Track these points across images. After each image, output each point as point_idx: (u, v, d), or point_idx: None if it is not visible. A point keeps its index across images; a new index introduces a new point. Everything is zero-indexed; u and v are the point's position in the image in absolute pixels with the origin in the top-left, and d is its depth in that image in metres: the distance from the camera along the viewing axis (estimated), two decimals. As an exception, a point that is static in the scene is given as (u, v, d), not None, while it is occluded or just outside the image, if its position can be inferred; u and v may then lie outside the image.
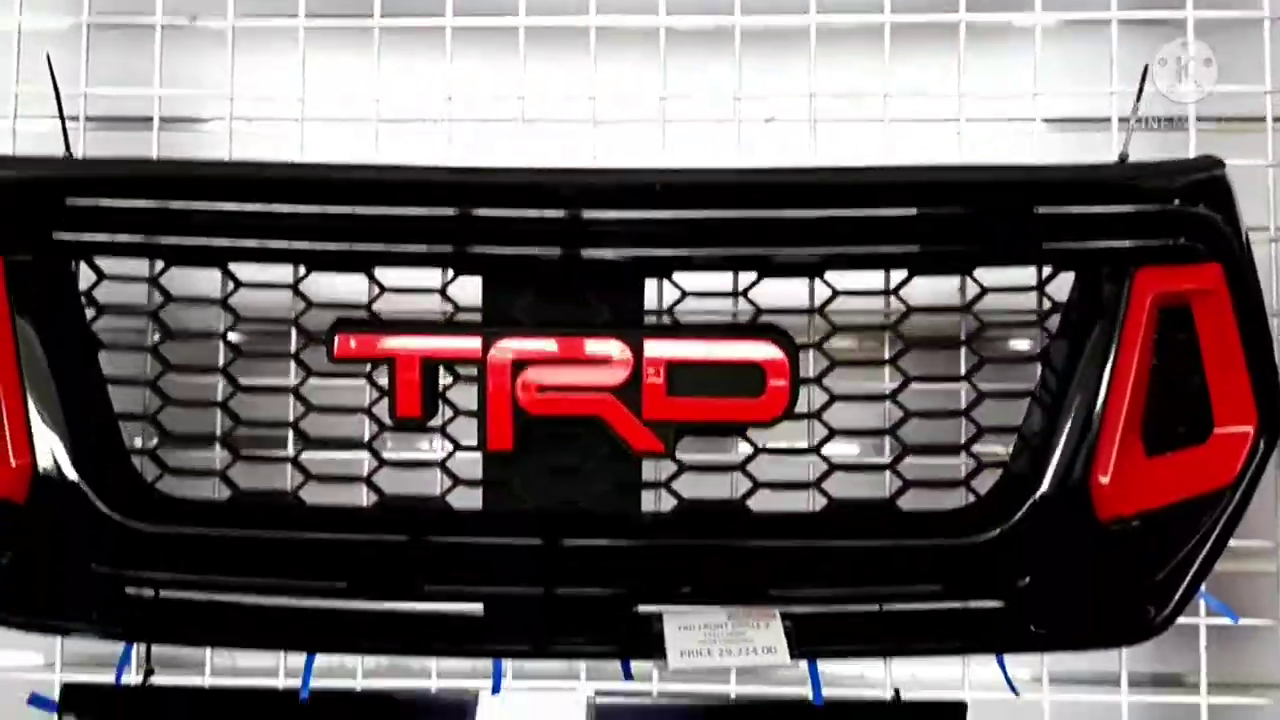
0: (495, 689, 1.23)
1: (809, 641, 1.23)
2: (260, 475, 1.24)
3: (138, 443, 1.25)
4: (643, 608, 1.26)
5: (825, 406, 1.21)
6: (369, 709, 1.35)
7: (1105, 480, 1.17)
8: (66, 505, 1.18)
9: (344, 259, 1.16)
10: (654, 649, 1.21)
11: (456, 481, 1.20)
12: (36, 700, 1.38)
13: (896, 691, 1.35)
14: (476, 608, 1.24)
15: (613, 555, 1.18)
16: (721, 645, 1.22)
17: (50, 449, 1.17)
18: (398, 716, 1.34)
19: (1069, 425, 1.17)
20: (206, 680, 1.39)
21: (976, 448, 1.23)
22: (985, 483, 1.24)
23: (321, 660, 1.35)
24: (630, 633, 1.23)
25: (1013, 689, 1.26)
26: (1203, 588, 1.25)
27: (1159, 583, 1.22)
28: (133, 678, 1.37)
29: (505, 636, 1.22)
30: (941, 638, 1.24)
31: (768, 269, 1.17)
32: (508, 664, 1.35)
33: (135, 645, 1.35)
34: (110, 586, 1.22)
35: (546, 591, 1.17)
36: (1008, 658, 1.25)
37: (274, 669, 1.39)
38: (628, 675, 1.25)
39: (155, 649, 1.37)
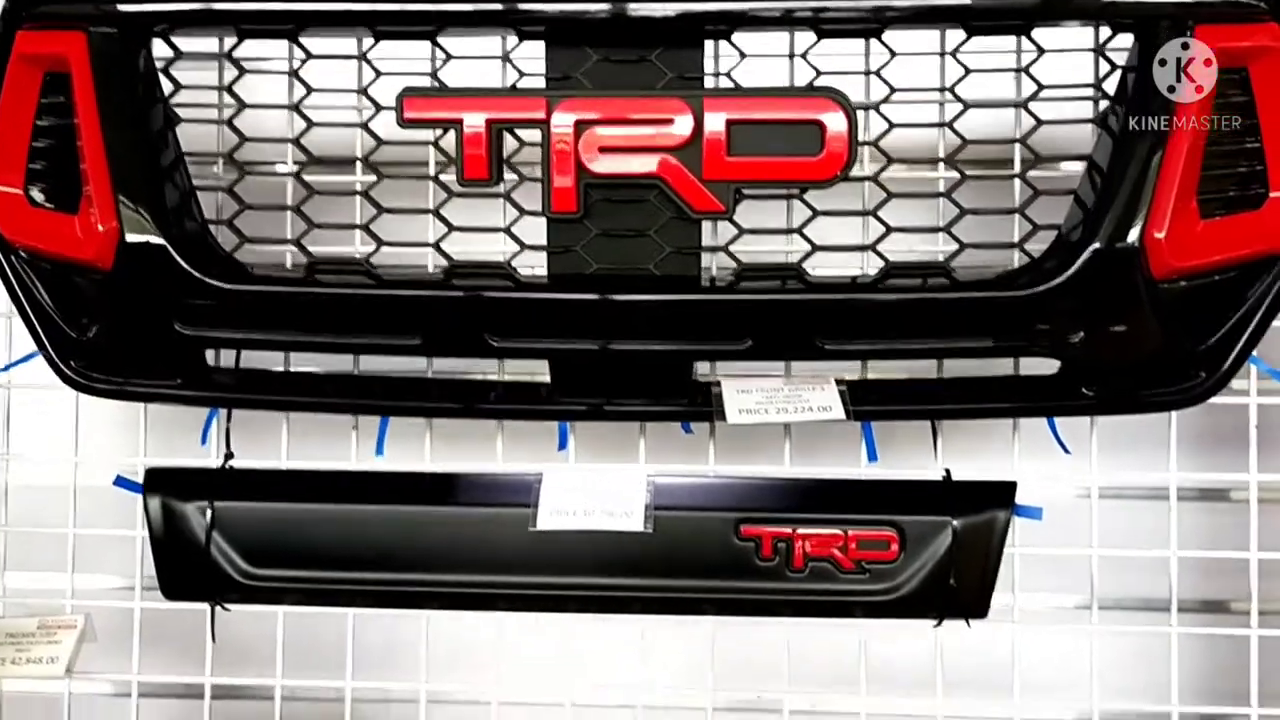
0: (561, 445, 1.28)
1: (864, 403, 1.27)
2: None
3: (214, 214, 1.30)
4: (702, 376, 1.31)
5: (883, 168, 1.23)
6: (438, 489, 1.41)
7: (1160, 236, 1.18)
8: (152, 268, 1.23)
9: (409, 20, 1.19)
10: (713, 410, 1.26)
11: (523, 246, 1.24)
12: (121, 482, 1.46)
13: (947, 471, 1.39)
14: (543, 376, 1.29)
15: (673, 312, 1.22)
16: (779, 405, 1.26)
17: (136, 215, 1.23)
18: (466, 494, 1.40)
19: (1126, 183, 1.18)
20: (283, 463, 1.46)
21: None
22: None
23: (391, 450, 1.42)
24: (690, 395, 1.28)
25: (1064, 448, 1.29)
26: (1254, 354, 1.27)
27: (1211, 347, 1.24)
28: (212, 461, 1.45)
29: (570, 398, 1.27)
30: (995, 399, 1.28)
31: (825, 27, 1.19)
32: (571, 447, 1.42)
33: (215, 422, 1.43)
34: (194, 350, 1.28)
35: (607, 349, 1.22)
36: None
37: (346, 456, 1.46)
38: (687, 430, 1.29)
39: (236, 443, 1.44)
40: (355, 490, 1.41)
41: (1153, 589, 1.51)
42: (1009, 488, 1.35)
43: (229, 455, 1.45)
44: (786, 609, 1.37)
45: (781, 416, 1.24)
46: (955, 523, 1.33)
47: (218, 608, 1.42)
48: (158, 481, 1.41)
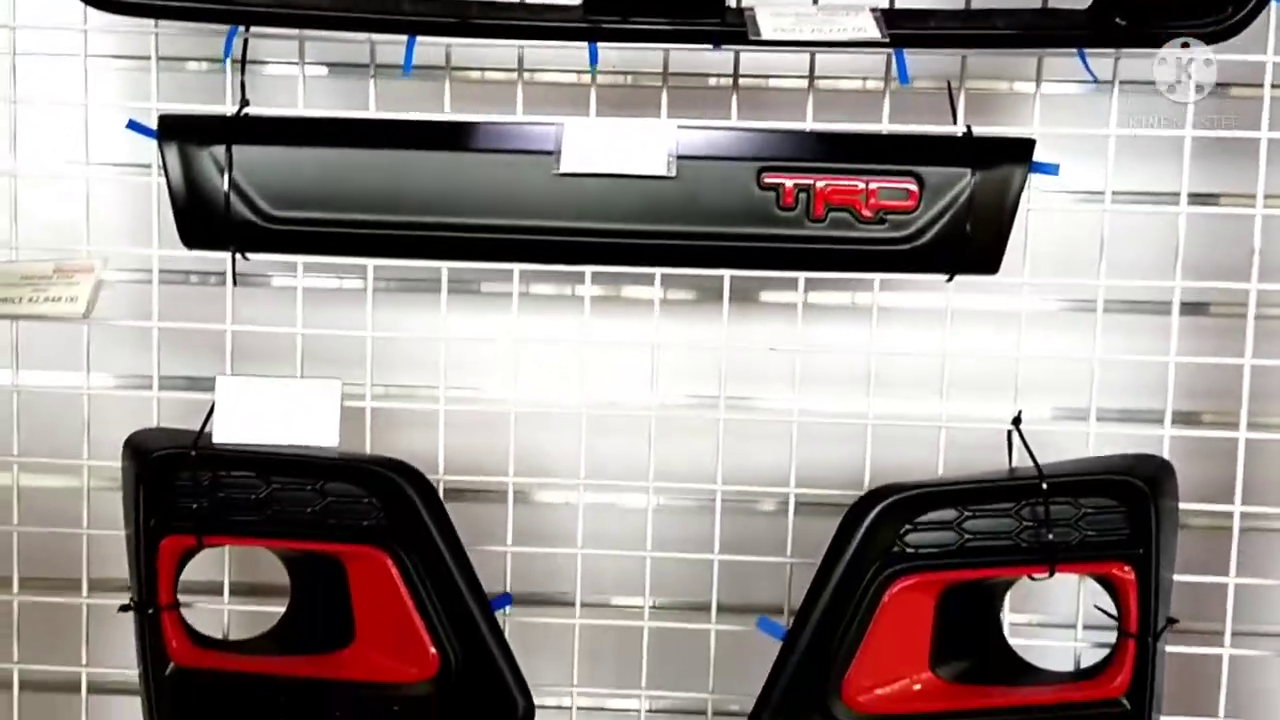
0: (592, 61, 1.27)
1: (897, 29, 1.27)
2: None
3: None
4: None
5: None
6: (461, 135, 1.38)
7: None
8: None
9: None
10: (746, 28, 1.26)
11: None
12: (134, 126, 1.42)
13: (968, 127, 1.39)
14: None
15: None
16: (813, 26, 1.26)
17: None
18: (489, 141, 1.38)
19: None
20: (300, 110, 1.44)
21: None
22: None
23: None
24: (721, 16, 1.27)
25: (1093, 76, 1.30)
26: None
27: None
28: (227, 109, 1.43)
29: (599, 15, 1.26)
30: (1027, 27, 1.29)
31: None
32: (593, 105, 1.42)
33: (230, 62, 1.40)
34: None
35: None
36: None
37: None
38: (717, 46, 1.29)
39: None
40: (376, 137, 1.39)
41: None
42: (1028, 144, 1.36)
43: (244, 102, 1.43)
44: (805, 259, 1.39)
45: (816, 36, 1.24)
46: (974, 174, 1.35)
47: (239, 256, 1.42)
48: (173, 127, 1.38)
